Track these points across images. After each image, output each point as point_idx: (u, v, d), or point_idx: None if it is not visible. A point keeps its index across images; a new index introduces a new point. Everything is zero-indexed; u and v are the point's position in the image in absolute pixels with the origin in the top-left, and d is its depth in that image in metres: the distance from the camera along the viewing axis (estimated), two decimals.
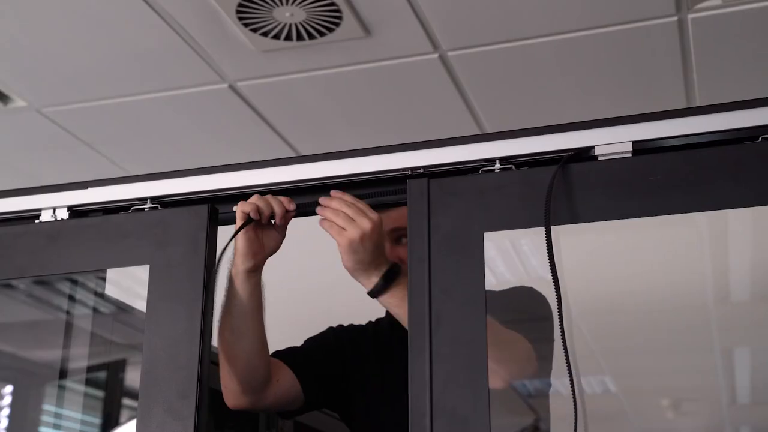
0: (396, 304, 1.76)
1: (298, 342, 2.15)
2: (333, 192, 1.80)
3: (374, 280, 1.79)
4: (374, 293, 1.80)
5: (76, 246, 1.86)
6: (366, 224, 1.75)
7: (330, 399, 2.15)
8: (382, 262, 1.80)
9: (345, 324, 2.21)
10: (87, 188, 1.92)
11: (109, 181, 1.92)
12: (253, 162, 1.85)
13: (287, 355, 2.08)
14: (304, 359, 2.09)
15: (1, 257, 1.90)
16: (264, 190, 1.83)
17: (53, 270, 1.89)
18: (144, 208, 1.87)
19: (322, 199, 1.80)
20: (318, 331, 2.19)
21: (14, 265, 1.89)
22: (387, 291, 1.79)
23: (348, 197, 1.78)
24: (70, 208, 1.91)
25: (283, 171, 1.85)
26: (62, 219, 1.91)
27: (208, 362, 1.73)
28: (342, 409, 2.17)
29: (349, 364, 2.13)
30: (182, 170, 1.89)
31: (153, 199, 1.87)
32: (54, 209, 1.92)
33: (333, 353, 2.13)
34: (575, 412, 1.57)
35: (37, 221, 1.93)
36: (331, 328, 2.19)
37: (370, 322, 2.21)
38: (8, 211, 1.95)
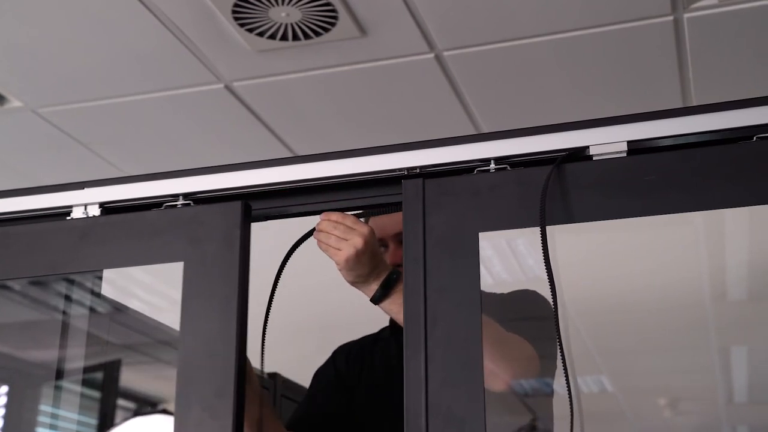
0: (396, 310, 1.78)
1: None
2: (321, 215, 1.82)
3: (374, 288, 1.81)
4: (375, 301, 1.82)
5: (109, 243, 1.84)
6: (357, 241, 1.77)
7: (343, 423, 2.20)
8: (381, 270, 1.82)
9: (349, 332, 2.25)
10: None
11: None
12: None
13: (300, 424, 2.15)
14: (314, 419, 2.17)
15: (33, 254, 1.88)
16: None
17: (85, 267, 1.88)
18: (176, 205, 1.85)
19: (316, 225, 1.82)
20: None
21: (47, 261, 1.88)
22: (387, 298, 1.81)
23: (334, 216, 1.80)
24: (101, 205, 1.90)
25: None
26: (94, 216, 1.89)
27: (245, 360, 1.72)
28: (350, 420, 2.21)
29: (355, 388, 2.19)
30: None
31: (185, 195, 1.86)
32: (85, 206, 1.90)
33: (338, 386, 2.20)
34: (571, 411, 1.57)
35: (68, 218, 1.91)
36: (333, 356, 2.25)
37: (383, 330, 2.23)
38: (40, 207, 1.94)
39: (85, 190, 1.92)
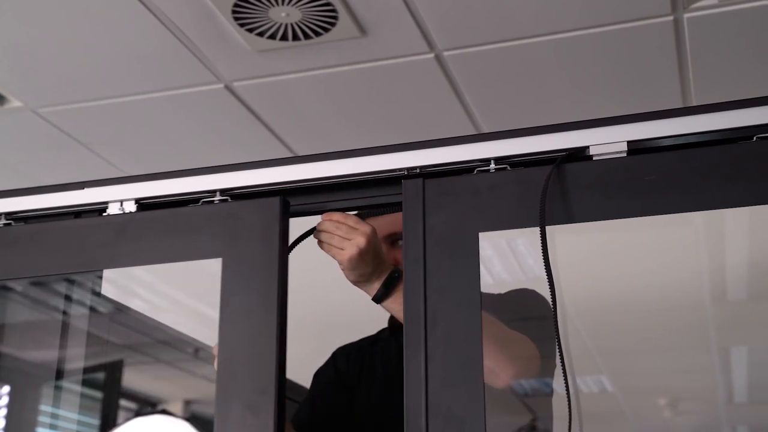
0: (398, 308, 1.78)
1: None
2: (323, 215, 1.82)
3: (376, 287, 1.82)
4: (377, 300, 1.83)
5: (146, 239, 1.83)
6: (360, 240, 1.78)
7: (344, 423, 2.20)
8: (383, 270, 1.83)
9: (349, 332, 2.25)
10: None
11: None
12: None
13: (301, 425, 2.16)
14: (315, 419, 2.17)
15: (69, 250, 1.87)
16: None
17: (122, 263, 1.86)
18: (213, 201, 1.85)
19: (317, 225, 1.82)
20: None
21: (83, 258, 1.87)
22: (389, 296, 1.82)
23: (337, 216, 1.81)
24: (137, 201, 1.89)
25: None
26: (130, 212, 1.88)
27: (285, 357, 1.71)
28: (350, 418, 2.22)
29: (355, 388, 2.19)
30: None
31: (222, 191, 1.85)
32: (121, 202, 1.90)
33: (339, 387, 2.20)
34: (569, 411, 1.57)
35: (104, 214, 1.90)
36: (332, 357, 2.25)
37: (382, 331, 2.24)
38: (75, 204, 1.93)
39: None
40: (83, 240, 1.87)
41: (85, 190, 1.93)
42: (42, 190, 1.97)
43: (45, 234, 1.91)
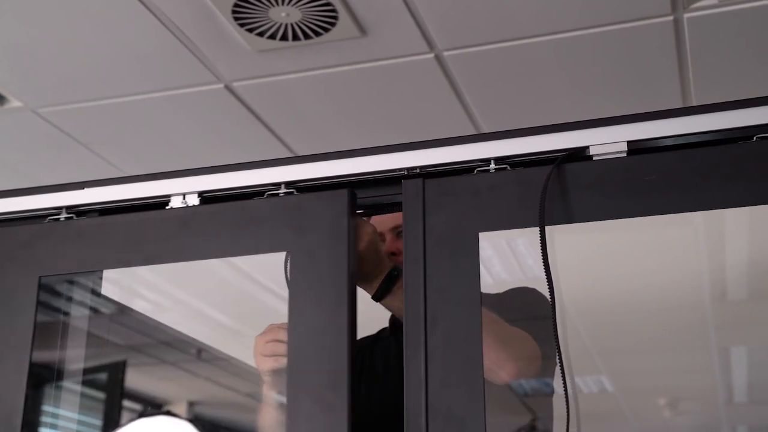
0: (398, 306, 1.78)
1: None
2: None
3: (376, 285, 1.83)
4: (377, 298, 1.84)
5: (210, 232, 1.81)
6: (362, 239, 1.78)
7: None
8: (383, 268, 1.83)
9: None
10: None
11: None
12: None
13: None
14: None
15: (133, 245, 1.85)
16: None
17: (186, 257, 1.83)
18: (278, 194, 1.83)
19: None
20: None
21: (146, 252, 1.84)
22: (389, 294, 1.82)
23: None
24: (200, 194, 1.87)
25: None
26: (194, 205, 1.86)
27: (355, 352, 1.68)
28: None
29: (355, 388, 2.18)
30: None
31: (287, 184, 1.83)
32: (184, 195, 1.88)
33: None
34: (567, 410, 1.57)
35: (167, 207, 1.88)
36: None
37: (382, 330, 2.24)
38: (137, 197, 1.92)
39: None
40: (145, 234, 1.85)
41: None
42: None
43: (106, 228, 1.88)
